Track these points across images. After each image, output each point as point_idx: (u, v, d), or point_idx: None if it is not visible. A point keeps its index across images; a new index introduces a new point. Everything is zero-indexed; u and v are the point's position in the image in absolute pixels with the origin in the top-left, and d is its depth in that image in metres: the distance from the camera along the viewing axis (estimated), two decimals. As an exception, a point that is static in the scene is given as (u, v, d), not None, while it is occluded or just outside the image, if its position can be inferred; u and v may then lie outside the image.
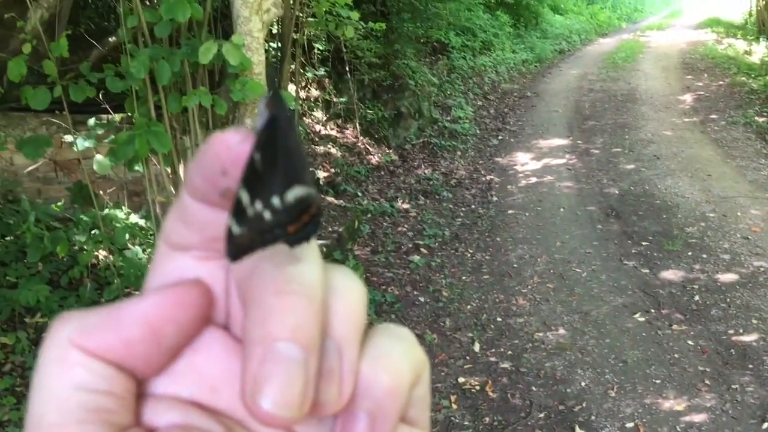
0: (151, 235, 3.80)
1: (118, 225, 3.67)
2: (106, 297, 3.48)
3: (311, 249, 0.27)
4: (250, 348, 0.24)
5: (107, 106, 3.52)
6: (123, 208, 3.98)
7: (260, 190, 0.27)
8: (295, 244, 0.28)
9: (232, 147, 0.27)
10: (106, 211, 3.82)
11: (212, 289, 0.28)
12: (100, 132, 3.22)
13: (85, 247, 3.50)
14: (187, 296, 0.27)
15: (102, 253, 3.75)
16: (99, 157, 3.21)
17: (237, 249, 0.26)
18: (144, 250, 3.73)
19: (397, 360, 0.27)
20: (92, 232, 3.60)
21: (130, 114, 3.23)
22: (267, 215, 0.27)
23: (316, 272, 0.26)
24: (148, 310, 0.26)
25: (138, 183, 3.98)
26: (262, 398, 0.23)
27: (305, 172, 0.28)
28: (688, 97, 9.96)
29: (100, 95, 3.24)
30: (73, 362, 0.24)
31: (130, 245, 3.69)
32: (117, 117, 3.39)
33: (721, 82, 10.64)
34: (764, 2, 13.80)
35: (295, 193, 0.27)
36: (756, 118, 8.44)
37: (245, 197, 0.26)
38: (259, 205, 0.27)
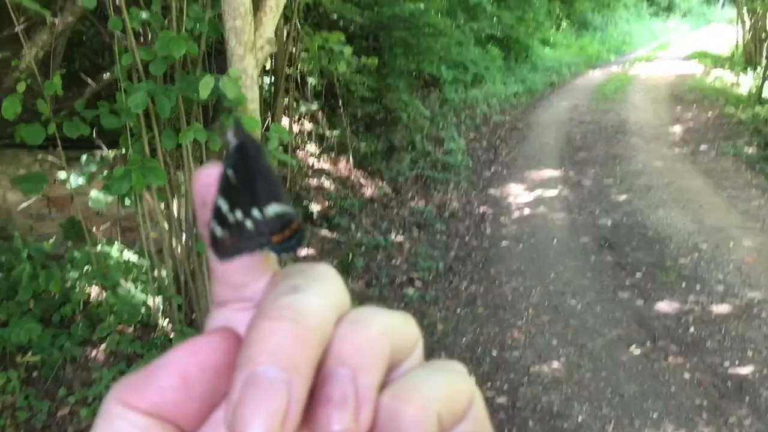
0: (144, 271, 3.78)
1: (111, 261, 3.66)
2: (98, 335, 3.45)
3: (319, 282, 0.28)
4: (235, 373, 0.24)
5: (101, 143, 3.54)
6: (116, 244, 3.97)
7: (239, 202, 0.29)
8: (281, 252, 0.30)
9: (206, 179, 0.29)
10: (99, 247, 3.80)
11: (238, 333, 0.29)
12: (93, 169, 3.22)
13: (78, 284, 3.48)
14: (210, 342, 0.28)
15: (94, 290, 3.73)
16: (94, 192, 3.22)
17: (223, 250, 0.29)
18: (137, 287, 3.71)
19: (426, 391, 0.26)
20: (85, 268, 3.58)
21: (124, 150, 3.24)
22: (248, 224, 0.29)
23: (317, 303, 0.26)
24: (175, 359, 0.27)
25: (131, 219, 3.97)
26: (241, 424, 0.23)
27: (281, 193, 0.31)
28: (677, 129, 10.06)
29: (94, 132, 3.26)
30: (115, 416, 0.26)
31: (123, 282, 3.67)
32: (110, 153, 3.39)
33: (709, 114, 10.76)
34: (750, 35, 14.04)
35: (274, 209, 0.30)
36: (745, 149, 8.53)
37: (224, 206, 0.29)
38: (239, 215, 0.29)
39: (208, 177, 0.30)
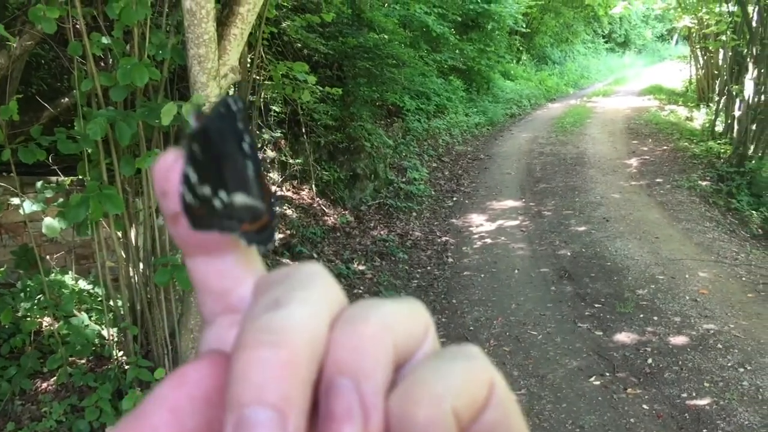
0: (99, 301, 3.68)
1: (65, 291, 3.54)
2: (49, 366, 3.33)
3: (303, 289, 0.26)
4: (225, 416, 0.22)
5: (56, 168, 3.45)
6: (70, 273, 3.85)
7: (207, 178, 0.28)
8: (251, 243, 0.29)
9: (165, 166, 0.28)
10: (53, 275, 3.69)
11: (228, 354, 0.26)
12: (49, 195, 3.14)
13: (30, 314, 3.36)
14: (198, 371, 0.26)
15: (46, 320, 3.60)
16: (48, 220, 3.12)
17: (196, 219, 0.27)
18: (91, 317, 3.60)
19: (437, 387, 0.24)
20: (37, 298, 3.46)
21: (81, 177, 3.16)
22: (217, 203, 0.28)
23: (302, 315, 0.24)
24: (164, 393, 0.25)
25: (87, 246, 3.87)
26: None
27: (252, 185, 0.29)
28: (634, 161, 10.30)
29: (50, 157, 3.17)
30: None
31: (76, 312, 3.56)
32: (67, 180, 3.31)
33: (665, 147, 11.05)
34: (703, 72, 14.53)
35: (242, 198, 0.29)
36: (699, 182, 8.76)
37: (192, 175, 0.27)
38: (207, 190, 0.27)
39: (167, 163, 0.28)
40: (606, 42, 28.01)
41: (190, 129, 0.29)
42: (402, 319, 0.26)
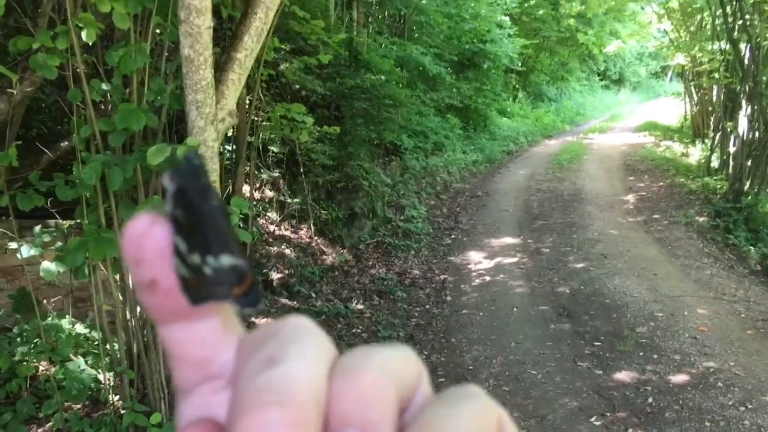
0: (95, 345, 3.66)
1: (61, 335, 3.54)
2: (45, 412, 3.30)
3: (297, 343, 0.25)
4: None
5: (54, 212, 3.47)
6: (67, 316, 3.85)
7: (195, 245, 0.26)
8: (245, 307, 0.27)
9: (137, 233, 0.26)
10: (50, 319, 3.68)
11: (219, 422, 0.26)
12: (47, 239, 3.15)
13: (26, 359, 3.35)
14: None
15: (42, 364, 3.59)
16: (46, 263, 3.13)
17: (194, 292, 0.26)
18: (87, 361, 3.58)
19: (448, 428, 0.23)
20: (35, 342, 3.45)
21: (79, 221, 3.18)
22: (208, 271, 0.26)
23: (301, 370, 0.23)
24: None
25: (84, 289, 3.87)
26: None
27: (232, 243, 0.28)
28: (631, 198, 10.35)
29: (48, 201, 3.20)
30: None
31: (72, 356, 3.54)
32: (65, 224, 3.33)
33: (661, 183, 11.11)
34: (698, 109, 14.69)
35: (227, 260, 0.27)
36: (696, 217, 8.80)
37: (182, 245, 0.26)
38: (197, 258, 0.26)
39: (140, 228, 0.26)
40: (601, 79, 28.38)
41: (168, 191, 0.28)
42: (398, 365, 0.26)
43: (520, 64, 17.35)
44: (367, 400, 0.23)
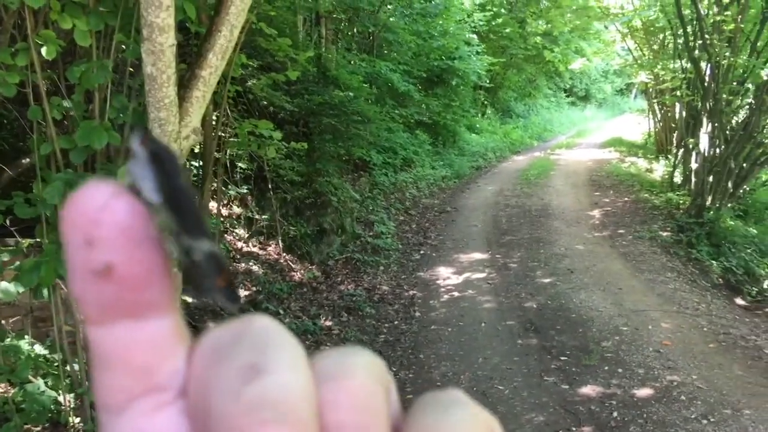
0: (56, 365, 3.59)
1: (21, 356, 3.46)
2: (2, 435, 3.22)
3: (278, 348, 0.22)
4: None
5: (13, 231, 3.41)
6: (26, 337, 3.76)
7: (182, 225, 0.23)
8: (230, 302, 0.24)
9: (92, 207, 0.22)
10: (8, 340, 3.59)
11: None
12: (5, 258, 3.09)
13: (-18, 381, 3.27)
14: None
15: (1, 387, 3.50)
16: (4, 283, 3.07)
17: (194, 283, 0.23)
18: (47, 383, 3.51)
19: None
20: (-9, 363, 3.37)
21: (39, 240, 3.13)
22: (197, 257, 0.23)
23: (293, 379, 0.21)
24: None
25: (45, 309, 3.79)
26: None
27: (207, 226, 0.24)
28: (596, 213, 10.50)
29: (7, 220, 3.14)
30: None
31: (32, 377, 3.47)
32: (24, 243, 3.27)
33: (626, 199, 11.30)
34: (661, 125, 15.00)
35: (206, 246, 0.23)
36: (660, 232, 8.95)
37: (171, 224, 0.23)
38: (187, 242, 0.23)
39: (97, 201, 0.22)
40: (568, 96, 28.85)
41: (137, 157, 0.24)
42: (377, 367, 0.24)
43: (488, 81, 17.57)
44: (361, 406, 0.22)
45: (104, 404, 0.23)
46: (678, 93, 11.40)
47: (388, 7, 12.18)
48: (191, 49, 5.35)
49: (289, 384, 0.20)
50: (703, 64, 9.60)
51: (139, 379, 0.22)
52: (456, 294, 7.18)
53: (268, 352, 0.21)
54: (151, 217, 0.23)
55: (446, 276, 7.84)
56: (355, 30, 12.58)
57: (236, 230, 7.26)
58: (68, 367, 3.49)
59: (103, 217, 0.21)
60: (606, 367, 5.16)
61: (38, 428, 3.44)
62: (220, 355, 0.22)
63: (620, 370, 5.09)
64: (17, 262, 3.10)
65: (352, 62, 11.00)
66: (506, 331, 6.06)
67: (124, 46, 3.31)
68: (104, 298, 0.22)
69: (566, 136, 23.08)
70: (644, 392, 4.73)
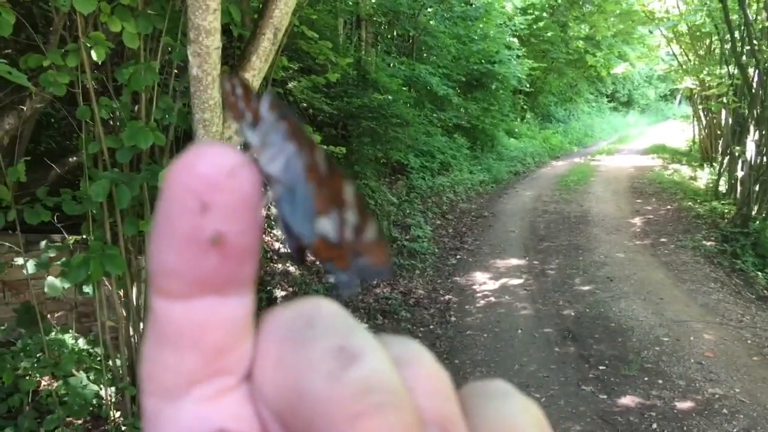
0: (98, 360, 3.67)
1: (65, 350, 3.54)
2: (46, 427, 3.29)
3: (359, 331, 0.21)
4: None
5: (60, 227, 3.49)
6: (71, 331, 3.85)
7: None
8: (346, 290, 0.23)
9: (218, 171, 0.20)
10: (53, 334, 3.69)
11: None
12: (52, 254, 3.17)
13: (29, 373, 3.35)
14: None
15: (45, 380, 3.59)
16: (51, 279, 3.15)
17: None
18: (89, 377, 3.59)
19: (525, 425, 0.22)
20: (38, 356, 3.46)
21: (84, 236, 3.20)
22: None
23: (386, 360, 0.20)
24: None
25: (88, 304, 3.88)
26: None
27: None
28: (638, 220, 10.32)
29: (55, 216, 3.22)
30: None
31: (75, 371, 3.55)
32: (71, 239, 3.35)
33: (668, 207, 11.08)
34: (706, 132, 14.68)
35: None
36: (704, 242, 8.75)
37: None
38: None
39: (221, 166, 0.20)
40: (610, 101, 28.44)
41: (265, 119, 0.22)
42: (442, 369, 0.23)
43: (528, 85, 17.43)
44: (438, 393, 0.21)
45: (159, 388, 0.21)
46: (724, 99, 11.15)
47: (428, 10, 12.18)
48: (233, 51, 5.43)
49: (387, 369, 0.20)
50: (750, 71, 9.37)
51: (210, 361, 0.21)
52: (492, 300, 7.13)
53: (354, 337, 0.21)
54: (266, 188, 0.22)
55: (482, 281, 7.79)
56: (394, 33, 12.60)
57: (274, 231, 7.33)
58: (110, 362, 3.56)
59: (228, 184, 0.20)
60: (646, 378, 5.06)
61: (80, 421, 3.52)
62: (301, 337, 0.21)
63: (660, 381, 4.99)
64: (63, 258, 3.17)
65: (391, 65, 11.03)
66: (543, 338, 5.99)
67: (170, 48, 3.38)
68: (202, 270, 0.20)
69: (607, 141, 22.77)
70: (685, 404, 4.62)
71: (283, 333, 0.21)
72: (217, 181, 0.20)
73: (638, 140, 22.70)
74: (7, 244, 3.34)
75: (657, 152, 17.98)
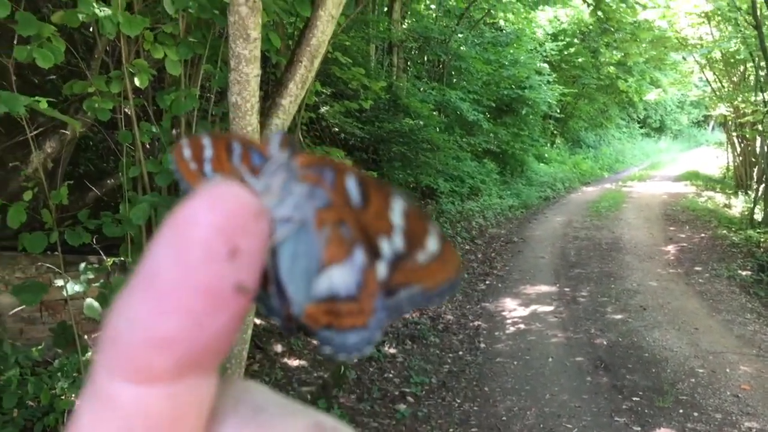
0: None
1: (99, 370, 3.58)
2: (79, 447, 3.33)
3: (312, 410, 0.21)
4: None
5: (98, 248, 3.55)
6: (105, 351, 3.90)
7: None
8: (353, 352, 0.22)
9: (244, 212, 0.18)
10: (89, 354, 3.73)
11: None
12: (90, 276, 3.22)
13: (65, 393, 3.40)
14: None
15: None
16: (89, 300, 3.20)
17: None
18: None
19: None
20: (74, 376, 3.50)
21: (123, 258, 3.26)
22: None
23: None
24: None
25: (123, 325, 3.92)
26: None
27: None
28: (671, 248, 10.16)
29: (94, 238, 3.28)
30: None
31: (109, 392, 3.58)
32: (109, 261, 3.40)
33: (702, 235, 10.91)
34: (741, 159, 14.47)
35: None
36: (739, 271, 8.58)
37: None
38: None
39: (250, 207, 0.18)
40: (641, 127, 28.20)
41: (286, 153, 0.20)
42: None
43: (558, 111, 17.38)
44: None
45: None
46: (759, 127, 10.99)
47: (459, 35, 12.25)
48: (268, 77, 5.52)
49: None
50: (787, 98, 9.24)
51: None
52: (522, 326, 7.05)
53: (316, 413, 0.20)
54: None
55: (512, 308, 7.72)
56: (425, 58, 12.70)
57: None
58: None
59: (255, 227, 0.17)
60: (680, 410, 4.95)
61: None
62: (274, 417, 0.19)
63: (696, 414, 4.88)
64: (101, 280, 3.23)
65: (422, 90, 11.09)
66: (575, 367, 5.91)
67: (210, 75, 3.45)
68: (205, 337, 0.17)
69: (639, 168, 22.55)
70: (722, 439, 4.51)
71: (238, 420, 0.19)
72: (246, 223, 0.17)
73: (670, 166, 22.44)
74: (47, 264, 3.41)
75: (690, 179, 17.75)
